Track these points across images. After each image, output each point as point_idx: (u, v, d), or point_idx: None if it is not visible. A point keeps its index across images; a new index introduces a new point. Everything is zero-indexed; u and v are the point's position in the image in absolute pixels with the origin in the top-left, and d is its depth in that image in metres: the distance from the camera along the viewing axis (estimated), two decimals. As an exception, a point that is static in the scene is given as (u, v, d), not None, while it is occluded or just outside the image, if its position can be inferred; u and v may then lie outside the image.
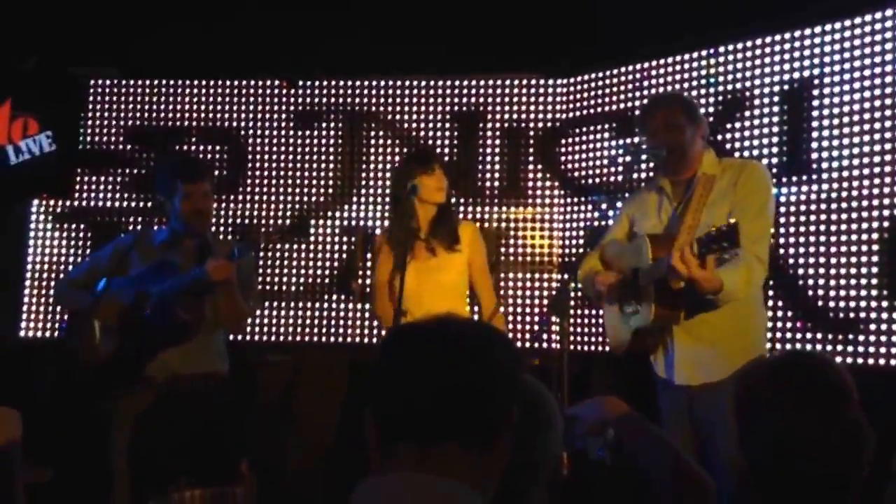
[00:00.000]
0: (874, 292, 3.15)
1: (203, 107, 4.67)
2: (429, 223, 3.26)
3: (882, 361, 3.05)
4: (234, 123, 4.64)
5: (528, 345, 4.16)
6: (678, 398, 2.68)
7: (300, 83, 4.60)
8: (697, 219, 2.61)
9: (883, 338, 3.08)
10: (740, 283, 2.51)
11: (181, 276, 3.06)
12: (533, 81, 4.44)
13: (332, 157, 4.58)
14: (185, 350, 3.07)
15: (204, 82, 4.67)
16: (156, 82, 4.69)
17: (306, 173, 4.58)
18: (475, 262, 3.35)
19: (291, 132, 4.61)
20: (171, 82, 4.69)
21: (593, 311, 4.08)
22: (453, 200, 4.41)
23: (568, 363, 2.62)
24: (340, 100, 4.59)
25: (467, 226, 3.44)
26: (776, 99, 3.57)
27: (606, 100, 4.22)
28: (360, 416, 1.23)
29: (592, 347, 4.08)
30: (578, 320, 4.14)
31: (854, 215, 3.25)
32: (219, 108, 4.66)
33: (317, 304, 4.47)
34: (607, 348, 3.91)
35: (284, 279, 4.50)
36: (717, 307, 2.54)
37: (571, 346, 3.99)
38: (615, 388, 3.80)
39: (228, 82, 4.66)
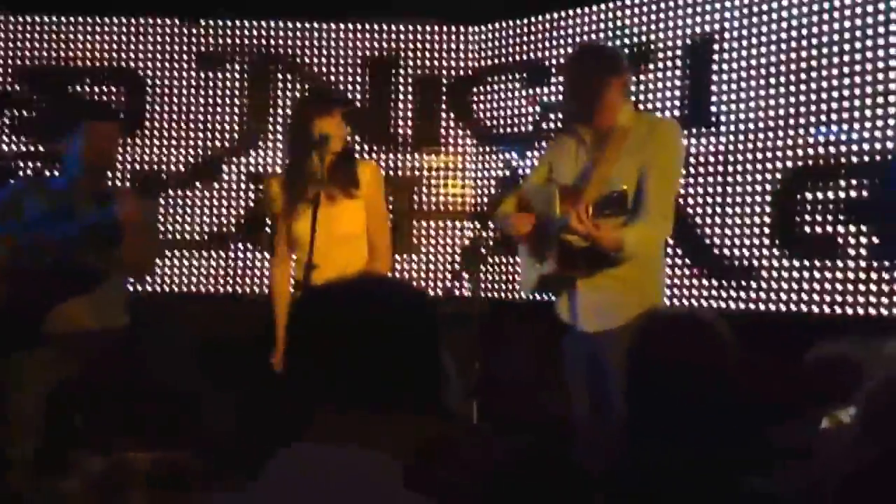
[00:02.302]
0: (766, 241, 3.31)
1: (100, 46, 4.43)
2: (327, 170, 3.08)
3: (773, 307, 3.22)
4: (133, 64, 4.43)
5: (440, 293, 4.21)
6: (579, 344, 2.78)
7: (202, 22, 4.42)
8: (608, 172, 2.66)
9: (773, 284, 3.25)
10: (641, 240, 2.60)
11: (87, 217, 2.92)
12: (446, 28, 4.41)
13: (237, 102, 4.45)
14: (90, 301, 2.97)
15: (101, 20, 4.43)
16: (48, 19, 4.41)
17: (209, 118, 4.44)
18: (372, 203, 3.19)
19: (194, 74, 4.44)
20: (67, 19, 4.42)
21: (506, 260, 4.15)
22: (367, 148, 4.42)
23: (479, 311, 2.68)
24: (247, 41, 4.44)
25: (367, 165, 3.28)
26: (679, 52, 3.66)
27: (519, 49, 4.23)
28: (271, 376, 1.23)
29: (505, 294, 4.15)
30: (492, 268, 4.20)
31: (749, 167, 3.38)
32: (116, 47, 4.43)
33: (223, 254, 4.39)
34: (518, 296, 4.03)
35: (188, 227, 4.39)
36: (619, 263, 2.63)
37: (484, 294, 4.07)
38: (525, 335, 3.90)
39: (126, 20, 4.43)
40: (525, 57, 4.21)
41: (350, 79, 4.44)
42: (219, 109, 4.44)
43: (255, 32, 4.44)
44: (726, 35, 3.50)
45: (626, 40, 3.80)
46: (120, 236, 2.93)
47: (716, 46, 3.52)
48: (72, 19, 4.43)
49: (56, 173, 3.23)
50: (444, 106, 4.44)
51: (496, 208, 3.05)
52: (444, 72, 4.42)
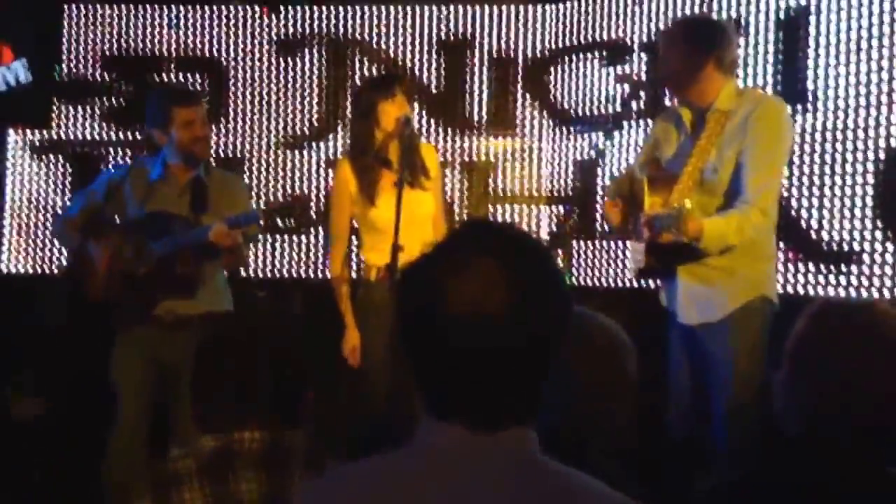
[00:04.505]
0: (869, 224, 3.15)
1: (182, 34, 4.48)
2: (401, 153, 3.09)
3: (876, 294, 3.07)
4: (214, 51, 4.47)
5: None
6: (679, 334, 2.70)
7: (281, 9, 4.43)
8: (703, 160, 2.53)
9: (877, 269, 3.09)
10: (723, 235, 2.47)
11: (180, 236, 3.03)
12: (521, 8, 4.32)
13: (315, 87, 4.45)
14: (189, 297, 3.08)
15: (182, 8, 4.48)
16: (132, 7, 4.49)
17: (289, 103, 4.45)
18: (437, 184, 3.23)
19: (273, 60, 4.46)
20: (149, 7, 4.48)
21: (591, 245, 4.06)
22: (441, 131, 4.38)
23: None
24: (324, 26, 4.43)
25: (428, 148, 3.28)
26: (772, 27, 3.50)
27: (597, 27, 4.11)
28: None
29: (593, 282, 4.05)
30: (580, 253, 4.09)
31: (850, 146, 3.22)
32: (197, 34, 4.48)
33: (304, 239, 4.41)
34: (609, 282, 3.94)
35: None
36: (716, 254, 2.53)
37: (573, 280, 3.99)
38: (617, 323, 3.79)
39: (208, 8, 4.47)
40: (604, 35, 4.09)
41: (425, 62, 4.39)
42: (297, 95, 4.45)
43: (331, 18, 4.42)
44: (822, 6, 3.32)
45: (715, 14, 3.65)
46: (214, 253, 3.02)
47: (811, 18, 3.35)
48: (157, 7, 4.48)
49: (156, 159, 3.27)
50: (519, 87, 4.36)
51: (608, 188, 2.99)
52: (520, 52, 4.34)
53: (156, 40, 4.48)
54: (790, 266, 3.35)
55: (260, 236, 3.34)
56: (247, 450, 1.59)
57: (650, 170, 2.65)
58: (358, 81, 4.38)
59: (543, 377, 1.03)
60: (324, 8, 4.42)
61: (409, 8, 4.39)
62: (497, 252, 1.00)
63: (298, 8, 4.42)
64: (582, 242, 4.08)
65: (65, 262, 4.14)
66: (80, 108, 4.52)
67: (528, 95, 4.35)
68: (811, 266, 3.29)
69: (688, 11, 3.72)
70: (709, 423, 2.59)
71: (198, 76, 4.48)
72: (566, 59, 4.24)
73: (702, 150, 2.55)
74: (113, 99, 4.51)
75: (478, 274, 0.99)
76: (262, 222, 3.14)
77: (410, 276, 1.06)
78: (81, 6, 4.50)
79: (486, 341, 0.98)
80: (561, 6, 4.25)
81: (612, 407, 1.47)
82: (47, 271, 4.45)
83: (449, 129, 4.38)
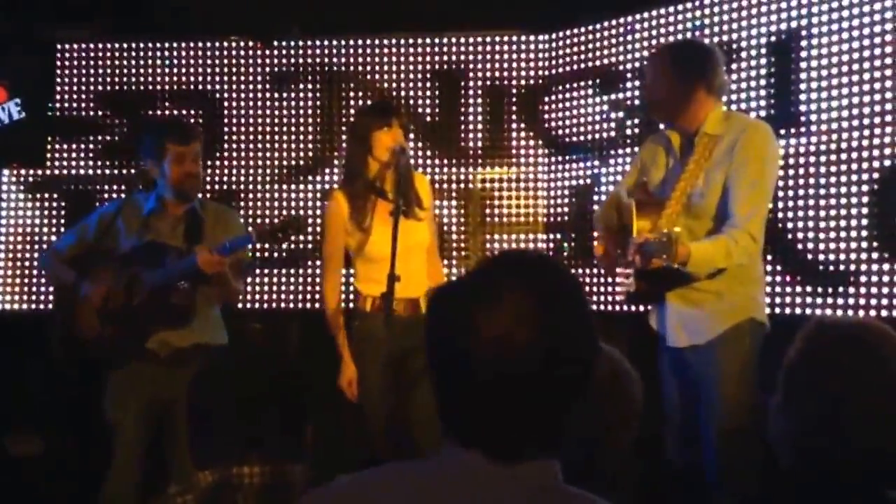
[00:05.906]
0: (864, 244, 3.14)
1: (176, 69, 4.52)
2: (396, 183, 3.08)
3: (873, 313, 3.05)
4: (209, 86, 4.50)
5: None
6: (669, 358, 2.69)
7: (275, 43, 4.46)
8: (692, 184, 2.54)
9: (874, 289, 3.08)
10: (715, 257, 2.47)
11: (172, 267, 3.03)
12: (514, 38, 4.35)
13: (310, 119, 4.47)
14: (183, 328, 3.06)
15: (176, 44, 4.52)
16: (126, 45, 4.53)
17: (284, 136, 4.47)
18: (430, 213, 3.24)
19: (268, 94, 4.48)
20: (143, 45, 4.53)
21: (588, 271, 4.05)
22: (437, 161, 4.39)
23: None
24: (318, 60, 4.46)
25: (421, 178, 3.28)
26: (763, 51, 3.52)
27: (590, 55, 4.14)
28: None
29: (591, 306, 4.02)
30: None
31: (843, 167, 3.22)
32: (192, 70, 4.51)
33: (300, 271, 4.40)
34: (608, 307, 3.93)
35: (265, 245, 4.40)
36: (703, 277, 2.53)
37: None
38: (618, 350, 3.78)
39: (202, 43, 4.51)
40: (597, 63, 4.12)
41: (419, 93, 4.41)
42: (293, 129, 4.47)
43: (325, 50, 4.46)
44: (813, 30, 3.34)
45: (706, 40, 3.68)
46: (206, 280, 3.01)
47: (802, 42, 3.37)
48: (150, 44, 4.52)
49: (150, 194, 3.28)
50: (513, 116, 4.38)
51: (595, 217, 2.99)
52: (514, 82, 4.36)
53: (149, 76, 4.51)
54: (787, 287, 3.34)
55: (256, 267, 3.31)
56: (247, 484, 1.57)
57: (638, 194, 2.65)
58: (353, 113, 4.39)
59: (568, 410, 1.03)
60: (317, 41, 4.45)
61: (402, 39, 4.42)
62: (529, 283, 1.01)
63: (292, 41, 4.45)
64: (579, 268, 4.08)
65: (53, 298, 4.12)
66: (74, 145, 4.54)
67: (522, 124, 4.37)
68: (807, 287, 3.28)
69: (679, 38, 3.75)
70: (701, 446, 2.57)
71: (192, 111, 4.50)
72: (559, 87, 4.26)
73: (690, 174, 2.55)
74: (107, 136, 4.52)
75: (510, 305, 0.99)
76: (257, 245, 3.11)
77: (441, 303, 1.07)
78: (74, 45, 4.54)
79: (514, 371, 0.99)
80: (553, 35, 4.28)
81: (612, 433, 1.46)
82: (42, 308, 4.45)
83: (444, 159, 4.39)
